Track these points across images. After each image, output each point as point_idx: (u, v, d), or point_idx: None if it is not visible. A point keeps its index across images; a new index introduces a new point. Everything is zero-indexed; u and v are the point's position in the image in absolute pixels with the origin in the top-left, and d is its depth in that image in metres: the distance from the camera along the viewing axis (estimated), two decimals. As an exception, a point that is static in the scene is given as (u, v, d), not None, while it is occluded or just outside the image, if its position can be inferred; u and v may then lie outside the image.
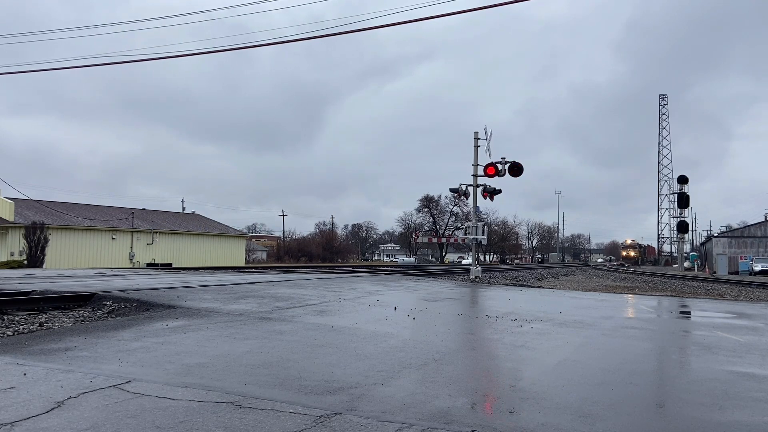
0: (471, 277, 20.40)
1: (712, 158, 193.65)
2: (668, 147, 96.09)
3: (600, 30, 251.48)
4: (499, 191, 19.98)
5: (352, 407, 3.70)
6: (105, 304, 8.31)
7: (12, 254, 36.59)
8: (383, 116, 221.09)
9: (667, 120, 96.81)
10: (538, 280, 31.14)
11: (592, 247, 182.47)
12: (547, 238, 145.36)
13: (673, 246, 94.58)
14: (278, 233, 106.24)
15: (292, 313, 8.12)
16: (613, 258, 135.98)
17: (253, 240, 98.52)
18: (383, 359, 5.27)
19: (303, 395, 3.96)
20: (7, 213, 38.35)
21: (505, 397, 4.20)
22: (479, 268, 21.17)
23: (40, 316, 7.35)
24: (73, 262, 40.16)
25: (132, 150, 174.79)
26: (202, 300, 9.10)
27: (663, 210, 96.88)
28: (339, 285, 13.61)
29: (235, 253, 56.33)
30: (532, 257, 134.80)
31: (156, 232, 48.31)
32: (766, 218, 66.57)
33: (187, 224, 55.39)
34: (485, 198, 20.12)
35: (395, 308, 9.29)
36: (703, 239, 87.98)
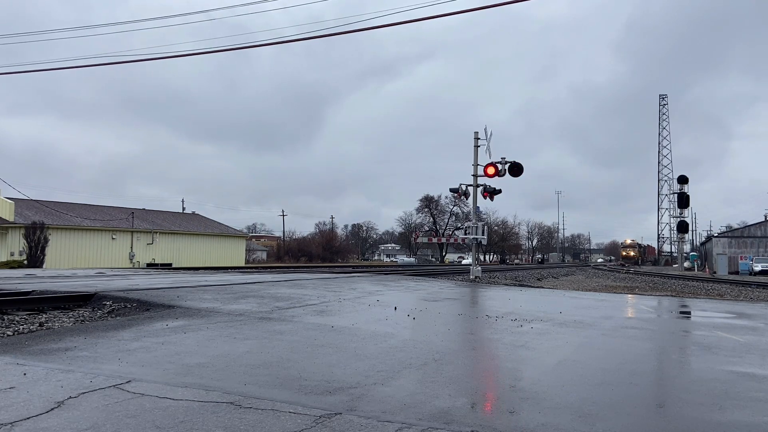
0: (471, 277, 20.40)
1: (712, 158, 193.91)
2: (668, 147, 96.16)
3: (600, 30, 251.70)
4: (499, 191, 19.99)
5: (352, 407, 3.70)
6: (105, 304, 8.31)
7: (12, 254, 36.60)
8: (383, 116, 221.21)
9: (667, 120, 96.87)
10: (538, 280, 31.15)
11: (592, 247, 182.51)
12: (547, 238, 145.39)
13: (673, 246, 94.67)
14: (278, 233, 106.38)
15: (292, 313, 8.12)
16: (613, 258, 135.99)
17: (253, 240, 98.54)
18: (383, 359, 5.27)
19: (303, 395, 3.96)
20: (7, 213, 38.35)
21: (505, 397, 4.20)
22: (479, 268, 21.17)
23: (40, 316, 7.35)
24: (73, 262, 40.17)
25: (132, 150, 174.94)
26: (202, 300, 9.10)
27: (663, 210, 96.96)
28: (339, 285, 13.61)
29: (235, 253, 56.34)
30: (532, 257, 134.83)
31: (156, 232, 48.31)
32: (766, 218, 66.56)
33: (187, 224, 55.40)
34: (485, 198, 20.13)
35: (395, 308, 9.29)
36: (703, 239, 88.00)
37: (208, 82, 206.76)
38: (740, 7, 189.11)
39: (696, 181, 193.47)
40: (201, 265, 40.78)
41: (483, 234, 20.04)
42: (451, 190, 20.82)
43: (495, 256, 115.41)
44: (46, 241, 34.98)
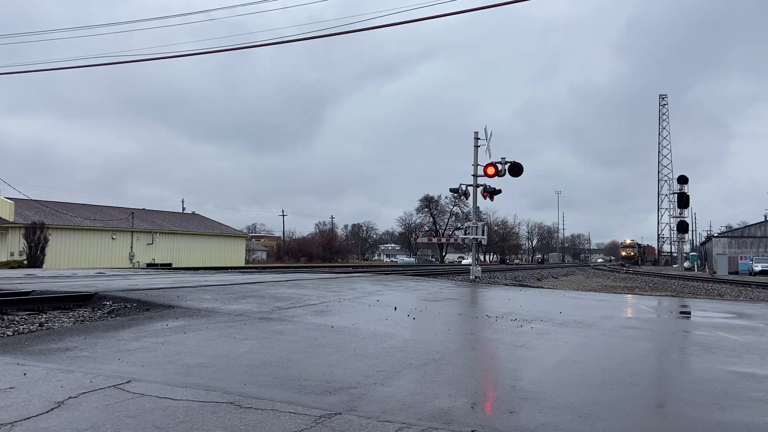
0: (471, 277, 20.40)
1: (712, 158, 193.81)
2: (668, 147, 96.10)
3: (600, 30, 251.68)
4: (499, 191, 19.99)
5: (352, 407, 3.70)
6: (105, 304, 8.31)
7: (12, 254, 36.60)
8: (383, 116, 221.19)
9: (667, 120, 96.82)
10: (538, 280, 31.16)
11: (592, 247, 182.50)
12: (547, 238, 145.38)
13: (673, 246, 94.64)
14: (278, 233, 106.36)
15: (292, 313, 8.12)
16: (613, 258, 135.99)
17: (253, 240, 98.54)
18: (383, 359, 5.27)
19: (303, 395, 3.96)
20: (7, 213, 38.35)
21: (505, 397, 4.20)
22: (479, 268, 21.17)
23: (40, 316, 7.35)
24: (73, 262, 40.17)
25: (132, 150, 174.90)
26: (202, 300, 9.10)
27: (663, 210, 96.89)
28: (339, 285, 13.62)
29: (235, 253, 56.34)
30: (532, 257, 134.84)
31: (156, 232, 48.31)
32: (766, 218, 66.58)
33: (187, 224, 55.40)
34: (485, 198, 20.12)
35: (395, 308, 9.29)
36: (703, 239, 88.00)
37: (208, 82, 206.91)
38: (740, 7, 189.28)
39: (696, 181, 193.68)
40: (201, 265, 40.78)
41: (483, 234, 20.04)
42: (451, 190, 20.82)
43: (495, 256, 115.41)
44: (46, 241, 34.97)
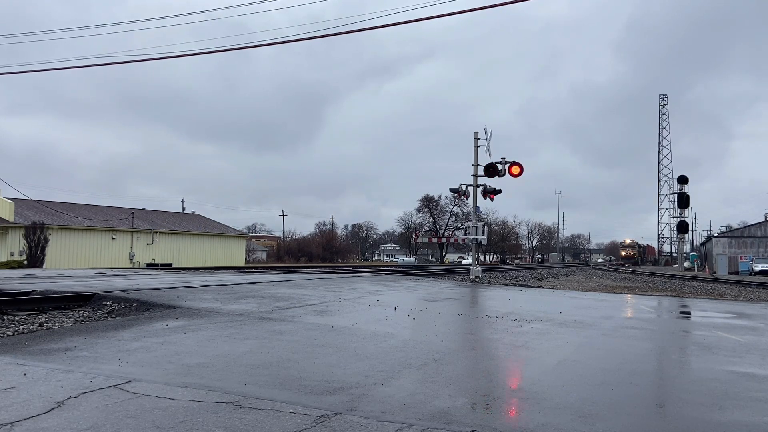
0: (471, 277, 20.40)
1: (712, 158, 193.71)
2: (668, 147, 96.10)
3: (600, 30, 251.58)
4: (499, 191, 19.99)
5: (352, 407, 3.70)
6: (105, 304, 8.31)
7: (12, 254, 36.60)
8: (383, 116, 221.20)
9: (667, 120, 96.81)
10: (538, 280, 31.16)
11: (592, 247, 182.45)
12: (547, 238, 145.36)
13: (673, 246, 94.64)
14: (278, 233, 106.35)
15: (292, 313, 8.12)
16: (613, 258, 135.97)
17: (253, 240, 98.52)
18: (383, 359, 5.27)
19: (303, 395, 3.96)
20: (7, 213, 38.35)
21: (505, 397, 4.20)
22: (479, 268, 21.18)
23: (40, 316, 7.35)
24: (73, 262, 40.17)
25: (131, 150, 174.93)
26: (202, 300, 9.10)
27: (663, 210, 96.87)
28: (339, 285, 13.62)
29: (235, 253, 56.34)
30: (532, 257, 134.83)
31: (156, 232, 48.31)
32: (766, 218, 66.56)
33: (187, 224, 55.40)
34: (485, 198, 20.13)
35: (395, 308, 9.29)
36: (703, 239, 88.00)
37: (208, 81, 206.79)
38: (740, 7, 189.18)
39: (696, 181, 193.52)
40: (201, 265, 40.78)
41: (483, 234, 20.04)
42: (451, 190, 20.83)
43: (495, 256, 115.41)
44: (46, 241, 34.97)
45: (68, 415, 3.39)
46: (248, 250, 68.81)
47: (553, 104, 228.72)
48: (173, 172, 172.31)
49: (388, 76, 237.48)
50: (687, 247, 78.06)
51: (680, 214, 61.58)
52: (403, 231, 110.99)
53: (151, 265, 41.77)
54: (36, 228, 35.00)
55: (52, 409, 3.48)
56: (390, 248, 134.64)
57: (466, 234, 20.29)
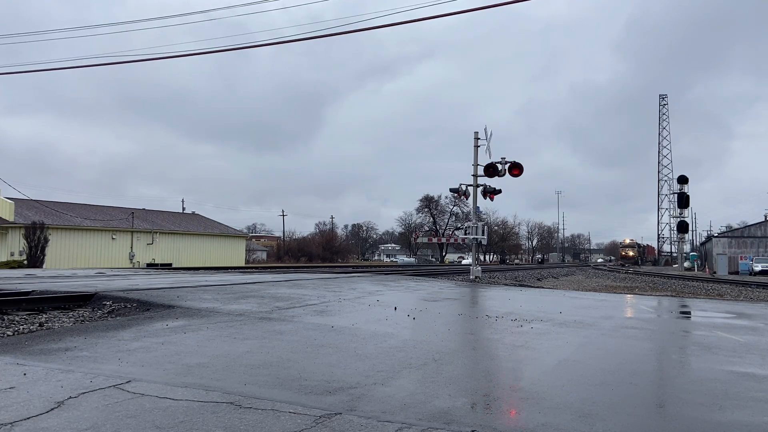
0: (471, 277, 20.40)
1: (712, 158, 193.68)
2: (668, 147, 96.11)
3: (600, 30, 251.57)
4: (499, 191, 19.99)
5: (352, 407, 3.70)
6: (105, 304, 8.31)
7: (12, 254, 36.59)
8: (383, 116, 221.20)
9: (667, 120, 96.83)
10: (538, 280, 31.16)
11: (592, 247, 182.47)
12: (547, 238, 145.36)
13: (673, 246, 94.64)
14: (278, 233, 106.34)
15: (292, 313, 8.12)
16: (613, 258, 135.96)
17: (253, 240, 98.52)
18: (383, 359, 5.27)
19: (303, 395, 3.96)
20: (7, 213, 38.35)
21: (505, 397, 4.20)
22: (479, 268, 21.17)
23: (40, 316, 7.35)
24: (73, 262, 40.17)
25: (131, 150, 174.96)
26: (202, 300, 9.10)
27: (663, 210, 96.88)
28: (339, 285, 13.61)
29: (235, 253, 56.33)
30: (532, 257, 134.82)
31: (156, 232, 48.31)
32: (766, 218, 66.57)
33: (187, 224, 55.40)
34: (485, 198, 20.13)
35: (395, 308, 9.29)
36: (703, 239, 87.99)
37: (207, 81, 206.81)
38: (740, 7, 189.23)
39: (696, 181, 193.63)
40: (201, 265, 40.77)
41: (483, 234, 20.04)
42: (451, 190, 20.82)
43: (495, 256, 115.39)
44: (46, 241, 34.97)
45: (68, 415, 3.39)
46: (248, 250, 68.80)
47: (553, 104, 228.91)
48: (173, 172, 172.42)
49: (388, 76, 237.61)
50: (687, 247, 78.06)
51: (680, 214, 61.61)
52: (403, 231, 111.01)
53: (151, 265, 41.76)
54: (36, 228, 35.00)
55: (52, 409, 3.48)
56: (390, 248, 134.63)
57: (466, 234, 20.29)
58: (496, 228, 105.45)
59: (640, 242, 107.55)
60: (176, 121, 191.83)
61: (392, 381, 4.47)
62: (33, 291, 9.34)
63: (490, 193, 19.94)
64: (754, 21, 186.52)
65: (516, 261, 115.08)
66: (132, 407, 3.56)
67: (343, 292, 11.86)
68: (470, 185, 20.03)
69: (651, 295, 18.96)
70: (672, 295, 18.98)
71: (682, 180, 59.94)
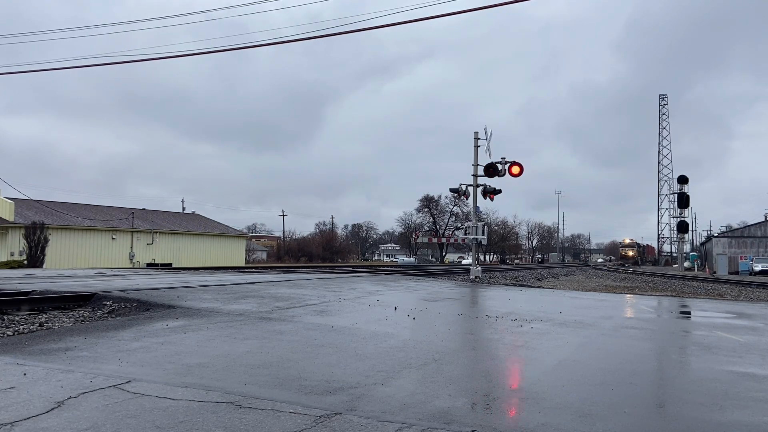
0: (471, 277, 20.39)
1: (712, 158, 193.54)
2: (668, 147, 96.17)
3: (600, 30, 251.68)
4: (499, 191, 19.99)
5: (352, 407, 3.70)
6: (105, 304, 8.31)
7: (12, 254, 36.59)
8: (383, 116, 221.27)
9: (667, 120, 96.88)
10: (538, 280, 31.15)
11: (592, 247, 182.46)
12: (547, 238, 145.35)
13: (673, 246, 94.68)
14: (278, 233, 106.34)
15: (292, 313, 8.12)
16: (613, 258, 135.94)
17: (253, 240, 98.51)
18: (383, 359, 5.27)
19: (303, 395, 3.96)
20: (7, 213, 38.34)
21: (505, 397, 4.20)
22: (479, 268, 21.17)
23: (40, 316, 7.35)
24: (73, 262, 40.16)
25: (131, 150, 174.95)
26: (202, 300, 9.10)
27: (663, 210, 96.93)
28: (339, 285, 13.61)
29: (235, 253, 56.33)
30: (532, 257, 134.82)
31: (156, 232, 48.30)
32: (766, 218, 66.58)
33: (187, 224, 55.39)
34: (485, 198, 20.13)
35: (395, 308, 9.29)
36: (703, 239, 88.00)
37: (207, 81, 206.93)
38: (740, 7, 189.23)
39: (696, 181, 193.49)
40: (201, 265, 40.77)
41: (483, 234, 20.04)
42: (451, 190, 20.83)
43: (495, 256, 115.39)
44: (46, 241, 34.96)
45: (68, 415, 3.39)
46: (248, 250, 68.80)
47: (553, 104, 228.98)
48: (173, 172, 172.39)
49: (387, 76, 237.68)
50: (687, 247, 78.07)
51: (680, 214, 61.61)
52: (403, 231, 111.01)
53: (151, 265, 41.77)
54: (36, 228, 35.00)
55: (52, 409, 3.48)
56: (390, 248, 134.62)
57: (466, 234, 20.29)
58: (496, 228, 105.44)
59: (640, 242, 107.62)
60: (176, 121, 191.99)
61: (392, 381, 4.47)
62: (33, 291, 9.34)
63: (490, 193, 19.94)
64: (754, 21, 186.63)
65: (516, 261, 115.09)
66: (132, 407, 3.56)
67: (343, 292, 11.86)
68: (470, 185, 20.03)
69: (651, 295, 18.96)
70: (672, 295, 18.98)
71: (682, 180, 59.94)
